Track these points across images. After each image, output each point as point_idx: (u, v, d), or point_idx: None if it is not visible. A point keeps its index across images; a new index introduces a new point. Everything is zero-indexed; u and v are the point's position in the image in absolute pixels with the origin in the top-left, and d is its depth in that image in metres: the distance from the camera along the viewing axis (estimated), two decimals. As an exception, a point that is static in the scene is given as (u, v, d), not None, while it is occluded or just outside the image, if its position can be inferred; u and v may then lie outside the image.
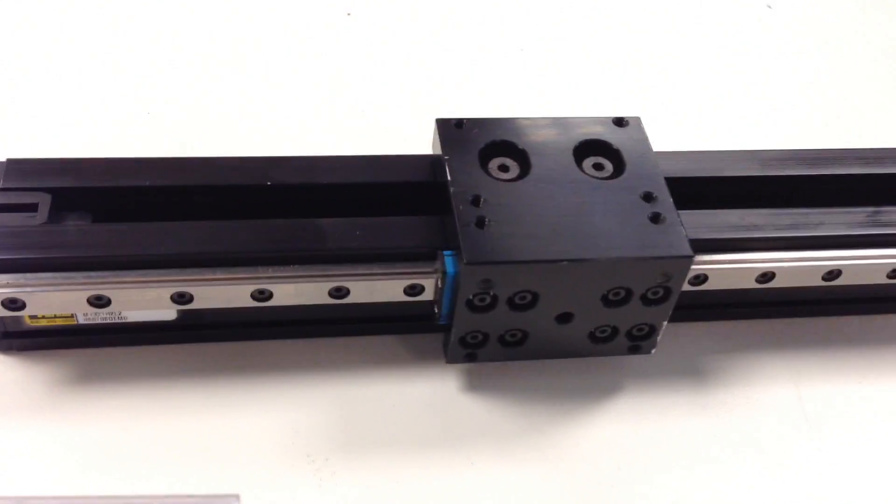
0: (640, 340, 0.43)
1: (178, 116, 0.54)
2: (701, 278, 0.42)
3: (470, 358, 0.42)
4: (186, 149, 0.51)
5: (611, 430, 0.43)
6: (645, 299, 0.40)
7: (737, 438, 0.43)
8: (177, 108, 0.55)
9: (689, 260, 0.39)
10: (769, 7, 0.68)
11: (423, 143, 0.44)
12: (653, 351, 0.43)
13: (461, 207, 0.39)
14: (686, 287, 0.42)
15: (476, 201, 0.39)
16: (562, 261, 0.38)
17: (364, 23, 0.62)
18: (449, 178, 0.40)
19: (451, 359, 0.42)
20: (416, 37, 0.62)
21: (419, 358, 0.44)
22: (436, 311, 0.41)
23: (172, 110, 0.54)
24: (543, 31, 0.64)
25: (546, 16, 0.65)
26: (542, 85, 0.60)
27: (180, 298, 0.38)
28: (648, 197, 0.40)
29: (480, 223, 0.38)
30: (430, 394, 0.43)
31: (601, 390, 0.44)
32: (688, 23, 0.66)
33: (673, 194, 0.41)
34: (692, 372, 0.45)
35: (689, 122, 0.59)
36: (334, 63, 0.59)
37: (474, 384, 0.44)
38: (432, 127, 0.43)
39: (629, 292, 0.40)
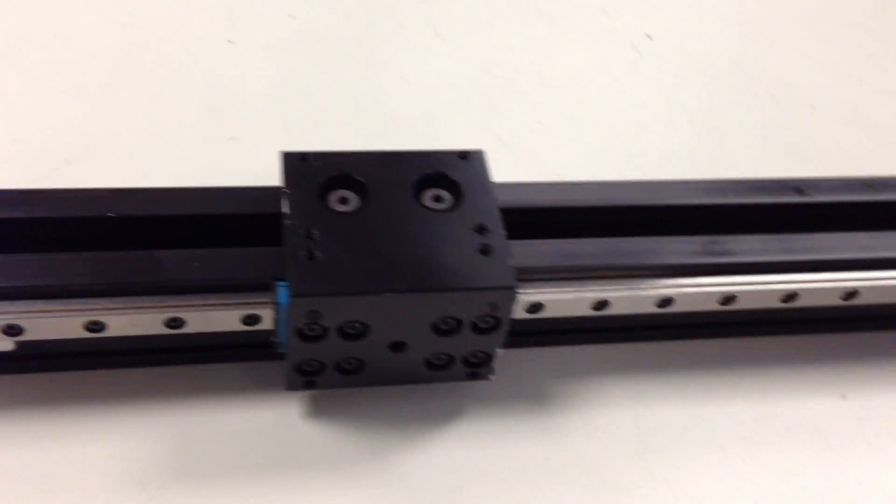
0: (477, 367, 0.44)
1: (47, 144, 0.55)
2: (537, 306, 0.44)
3: (309, 385, 0.43)
4: (51, 178, 0.52)
5: (450, 456, 0.44)
6: (476, 328, 0.42)
7: (573, 463, 0.45)
8: (46, 135, 0.55)
9: (512, 291, 0.40)
10: (648, 37, 0.70)
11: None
12: (491, 377, 0.45)
13: (293, 240, 0.40)
14: (523, 315, 0.44)
15: (309, 234, 0.40)
16: (386, 293, 0.39)
17: (245, 49, 0.63)
18: (286, 210, 0.41)
19: (289, 386, 0.43)
20: (293, 63, 0.63)
21: (261, 385, 0.45)
22: (274, 339, 0.42)
23: (40, 138, 0.55)
24: (421, 63, 0.65)
25: (424, 46, 0.66)
26: (420, 118, 0.61)
27: (10, 330, 0.39)
28: (481, 229, 0.42)
29: (310, 255, 0.39)
30: (271, 421, 0.44)
31: (442, 415, 0.45)
32: (565, 54, 0.68)
33: (511, 225, 0.42)
34: (534, 397, 0.47)
35: (567, 152, 0.61)
36: (211, 90, 0.60)
37: (317, 410, 0.44)
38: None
39: (459, 322, 0.41)
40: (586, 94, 0.64)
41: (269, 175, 0.44)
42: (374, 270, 0.39)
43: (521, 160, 0.59)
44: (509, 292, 0.40)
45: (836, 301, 0.47)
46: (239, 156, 0.56)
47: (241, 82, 0.61)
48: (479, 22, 0.69)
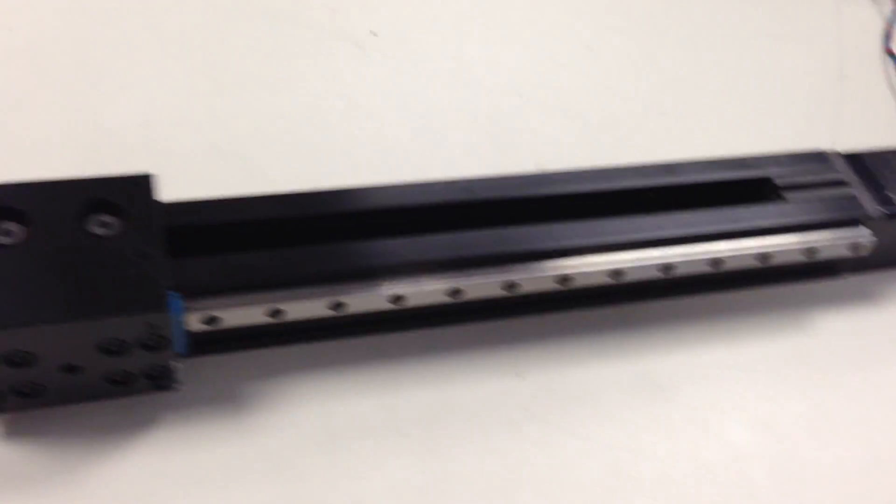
0: (160, 380, 0.47)
1: None
2: (212, 319, 0.46)
3: (-7, 411, 0.45)
4: None
5: (144, 464, 0.47)
6: (144, 346, 0.44)
7: (265, 459, 0.48)
8: None
9: (164, 314, 0.43)
10: (373, 34, 0.73)
11: None
12: (178, 386, 0.47)
13: (-53, 278, 0.41)
14: (201, 327, 0.46)
15: (-34, 270, 0.42)
16: (39, 324, 0.41)
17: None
18: (-57, 248, 0.42)
19: (-28, 414, 0.45)
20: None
21: (-52, 414, 0.46)
22: (-51, 370, 0.43)
23: None
24: (139, 70, 0.66)
25: (145, 52, 0.67)
26: (138, 128, 0.62)
27: None
28: (140, 253, 0.44)
29: (-35, 293, 0.41)
30: (-39, 445, 0.45)
31: (136, 426, 0.48)
32: (290, 53, 0.70)
33: (182, 243, 0.45)
34: (227, 399, 0.50)
35: (282, 157, 0.63)
36: None
37: (11, 431, 0.46)
38: None
39: (124, 343, 0.43)
40: (306, 96, 0.67)
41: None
42: (29, 303, 0.41)
43: (235, 169, 0.61)
44: (161, 315, 0.43)
45: (498, 292, 0.51)
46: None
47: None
48: (201, 22, 0.70)
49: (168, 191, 0.48)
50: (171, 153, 0.61)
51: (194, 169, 0.60)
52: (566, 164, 0.65)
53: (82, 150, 0.60)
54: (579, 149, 0.68)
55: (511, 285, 0.51)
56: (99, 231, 0.45)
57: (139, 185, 0.46)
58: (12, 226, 0.44)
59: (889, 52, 0.82)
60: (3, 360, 0.42)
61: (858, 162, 0.61)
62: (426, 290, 0.50)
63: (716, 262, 0.55)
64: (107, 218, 0.45)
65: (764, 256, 0.55)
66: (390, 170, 0.63)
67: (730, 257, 0.55)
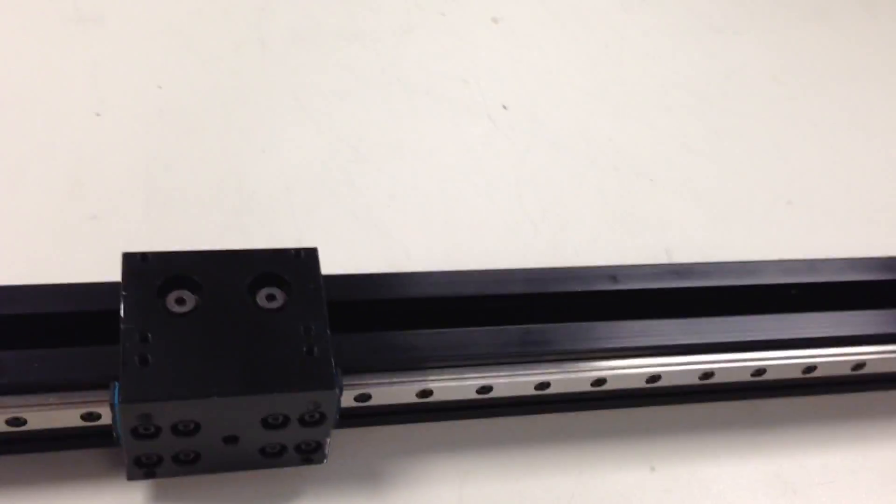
0: (309, 454, 0.48)
1: None
2: (365, 396, 0.47)
3: (149, 475, 0.46)
4: None
5: (284, 536, 0.48)
6: (303, 422, 0.45)
7: (402, 539, 0.48)
8: None
9: (333, 392, 0.44)
10: (504, 107, 0.74)
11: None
12: (325, 461, 0.48)
13: (127, 345, 0.43)
14: (352, 403, 0.47)
15: (144, 337, 0.43)
16: (213, 396, 0.42)
17: (112, 121, 0.65)
18: (122, 313, 0.44)
19: (130, 476, 0.46)
20: (158, 136, 0.65)
21: (108, 471, 0.47)
22: (114, 433, 0.44)
23: None
24: (283, 135, 0.68)
25: (288, 118, 0.69)
26: (280, 193, 0.64)
27: None
28: (308, 329, 0.45)
29: (143, 360, 0.42)
30: (113, 508, 0.46)
31: (280, 498, 0.49)
32: (423, 125, 0.71)
33: (342, 318, 0.46)
34: (367, 476, 0.50)
35: (416, 228, 0.64)
36: (75, 165, 0.62)
37: (159, 496, 0.47)
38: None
39: (287, 417, 0.44)
40: (440, 167, 0.68)
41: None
42: (202, 374, 0.42)
43: (372, 238, 0.62)
44: (330, 393, 0.43)
45: (642, 384, 0.51)
46: (98, 235, 0.58)
47: (106, 157, 0.63)
48: (342, 91, 0.72)
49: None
50: (310, 219, 0.63)
51: (332, 237, 0.62)
52: (694, 248, 0.66)
53: (227, 213, 0.62)
54: (707, 234, 0.68)
55: (653, 377, 0.51)
56: (266, 304, 0.46)
57: (307, 258, 0.47)
58: (186, 294, 0.45)
59: None
60: (171, 428, 0.43)
61: None
62: (571, 378, 0.50)
63: (858, 365, 0.54)
64: (273, 291, 0.46)
65: (906, 362, 0.55)
66: (522, 245, 0.64)
67: (871, 361, 0.54)
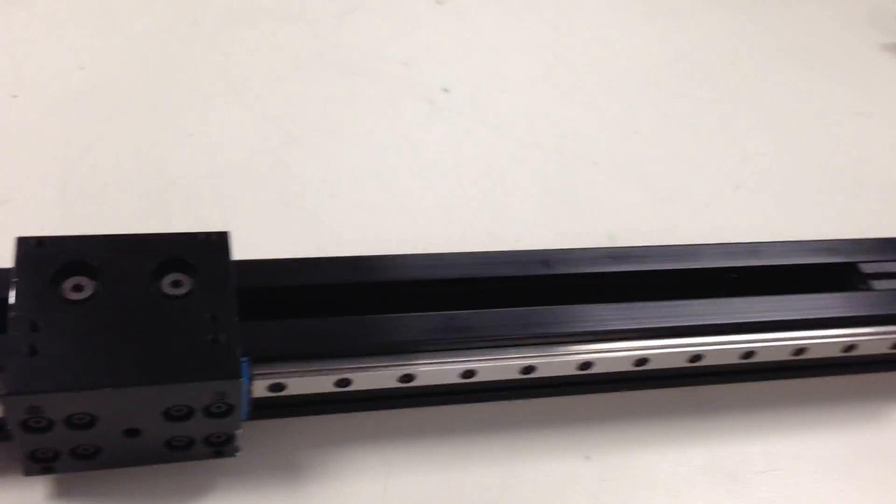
0: (220, 447, 0.45)
1: None
2: (278, 386, 0.45)
3: (46, 471, 0.43)
4: None
5: (196, 533, 0.45)
6: (209, 413, 0.43)
7: (320, 533, 0.46)
8: None
9: (237, 381, 0.41)
10: (445, 90, 0.72)
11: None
12: (237, 454, 0.46)
13: (15, 333, 0.40)
14: (266, 393, 0.45)
15: (34, 326, 0.40)
16: (106, 387, 0.39)
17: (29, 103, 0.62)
18: (12, 300, 0.41)
19: (26, 472, 0.43)
20: (78, 119, 0.62)
21: (4, 467, 0.45)
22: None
23: None
24: (211, 119, 0.65)
25: (217, 101, 0.67)
26: (205, 178, 0.61)
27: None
28: (214, 316, 0.42)
29: (32, 350, 0.40)
30: (12, 504, 0.44)
31: (191, 492, 0.46)
32: (361, 108, 0.69)
33: (252, 305, 0.44)
34: (285, 467, 0.48)
35: (349, 212, 0.62)
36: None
37: (61, 492, 0.45)
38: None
39: (191, 409, 0.42)
40: (376, 151, 0.66)
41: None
42: (94, 364, 0.40)
43: (302, 223, 0.60)
44: (235, 382, 0.41)
45: (575, 371, 0.49)
46: (8, 221, 0.55)
47: (21, 140, 0.60)
48: (277, 74, 0.69)
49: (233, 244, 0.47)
50: (237, 205, 0.60)
51: (260, 223, 0.59)
52: (638, 233, 0.64)
53: (148, 198, 0.59)
54: (652, 218, 0.66)
55: (585, 364, 0.49)
56: (171, 291, 0.43)
57: (216, 243, 0.45)
58: (84, 281, 0.43)
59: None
60: (64, 421, 0.41)
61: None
62: (499, 366, 0.48)
63: (798, 350, 0.52)
64: (179, 277, 0.44)
65: (848, 347, 0.53)
66: (459, 230, 0.62)
67: (813, 346, 0.53)
